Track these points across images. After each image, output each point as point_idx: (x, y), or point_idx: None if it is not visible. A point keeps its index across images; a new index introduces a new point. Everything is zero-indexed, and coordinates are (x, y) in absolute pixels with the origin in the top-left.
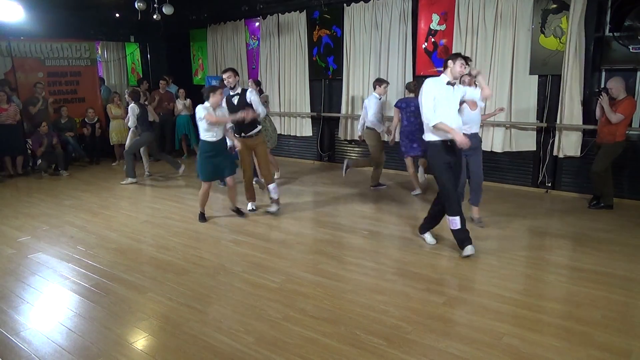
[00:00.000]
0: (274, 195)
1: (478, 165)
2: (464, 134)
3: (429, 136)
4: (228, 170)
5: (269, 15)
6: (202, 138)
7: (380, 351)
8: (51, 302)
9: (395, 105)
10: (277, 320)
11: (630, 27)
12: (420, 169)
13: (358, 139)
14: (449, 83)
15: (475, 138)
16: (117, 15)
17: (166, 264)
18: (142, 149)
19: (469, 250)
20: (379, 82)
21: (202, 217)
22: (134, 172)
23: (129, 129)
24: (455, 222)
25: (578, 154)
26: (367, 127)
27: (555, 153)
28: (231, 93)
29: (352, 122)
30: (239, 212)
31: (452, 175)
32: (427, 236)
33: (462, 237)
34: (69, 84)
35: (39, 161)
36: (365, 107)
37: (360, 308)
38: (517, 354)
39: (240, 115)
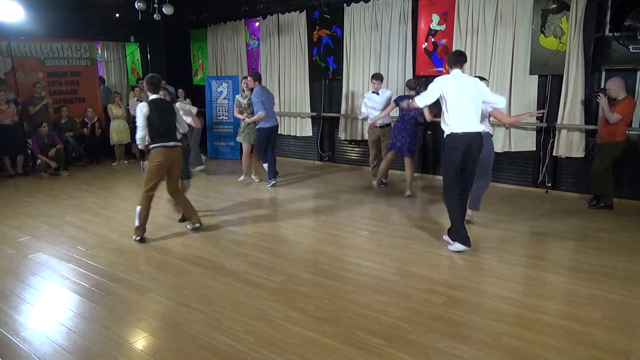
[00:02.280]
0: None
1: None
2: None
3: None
4: None
5: (269, 15)
6: None
7: (380, 351)
8: (51, 302)
9: (394, 101)
10: (277, 320)
11: (630, 27)
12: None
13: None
14: None
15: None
16: (117, 15)
17: (166, 264)
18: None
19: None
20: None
21: None
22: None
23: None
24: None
25: (578, 154)
26: (383, 125)
27: (555, 153)
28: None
29: (352, 122)
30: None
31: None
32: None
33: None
34: (69, 84)
35: (39, 161)
36: (387, 98)
37: (360, 308)
38: (517, 354)
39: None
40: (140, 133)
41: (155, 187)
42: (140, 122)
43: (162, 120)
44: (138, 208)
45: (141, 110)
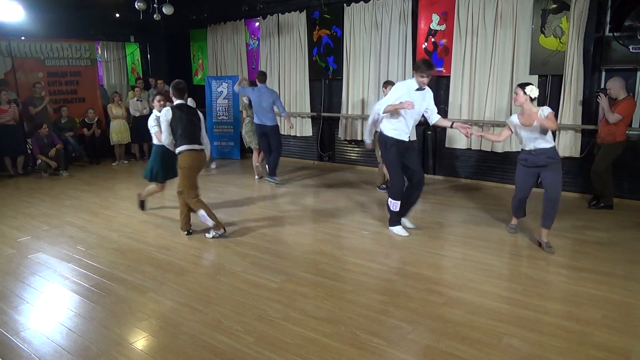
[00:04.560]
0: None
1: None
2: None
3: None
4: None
5: (269, 15)
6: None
7: (380, 351)
8: (51, 302)
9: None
10: (277, 320)
11: (630, 27)
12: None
13: (366, 144)
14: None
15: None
16: (117, 15)
17: (166, 264)
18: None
19: (398, 229)
20: (385, 84)
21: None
22: None
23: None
24: (396, 204)
25: (578, 154)
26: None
27: None
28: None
29: (352, 122)
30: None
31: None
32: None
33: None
34: (69, 84)
35: (39, 161)
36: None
37: (360, 308)
38: (517, 354)
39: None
40: (167, 139)
41: (197, 188)
42: (164, 127)
43: (187, 124)
44: (201, 212)
45: (165, 117)
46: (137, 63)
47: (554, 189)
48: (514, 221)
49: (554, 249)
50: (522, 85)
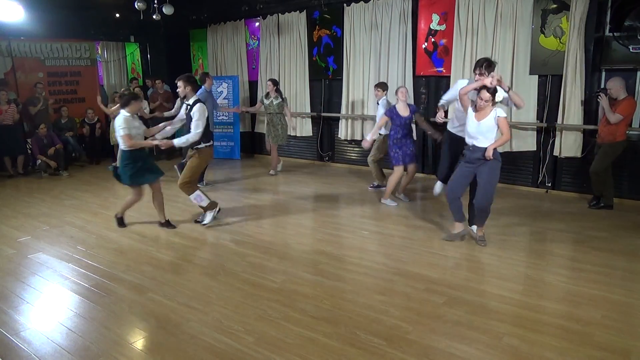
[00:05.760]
0: (201, 204)
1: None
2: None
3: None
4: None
5: (269, 15)
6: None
7: (380, 351)
8: (51, 302)
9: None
10: (277, 320)
11: (630, 27)
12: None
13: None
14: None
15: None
16: (117, 15)
17: (166, 264)
18: None
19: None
20: (376, 86)
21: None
22: None
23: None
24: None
25: (578, 154)
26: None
27: (555, 153)
28: (185, 102)
29: (352, 122)
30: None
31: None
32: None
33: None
34: (69, 84)
35: (39, 161)
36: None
37: (360, 308)
38: (517, 354)
39: (154, 143)
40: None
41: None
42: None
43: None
44: (195, 195)
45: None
46: (137, 63)
47: (483, 191)
48: (457, 228)
49: (486, 242)
50: (492, 93)
